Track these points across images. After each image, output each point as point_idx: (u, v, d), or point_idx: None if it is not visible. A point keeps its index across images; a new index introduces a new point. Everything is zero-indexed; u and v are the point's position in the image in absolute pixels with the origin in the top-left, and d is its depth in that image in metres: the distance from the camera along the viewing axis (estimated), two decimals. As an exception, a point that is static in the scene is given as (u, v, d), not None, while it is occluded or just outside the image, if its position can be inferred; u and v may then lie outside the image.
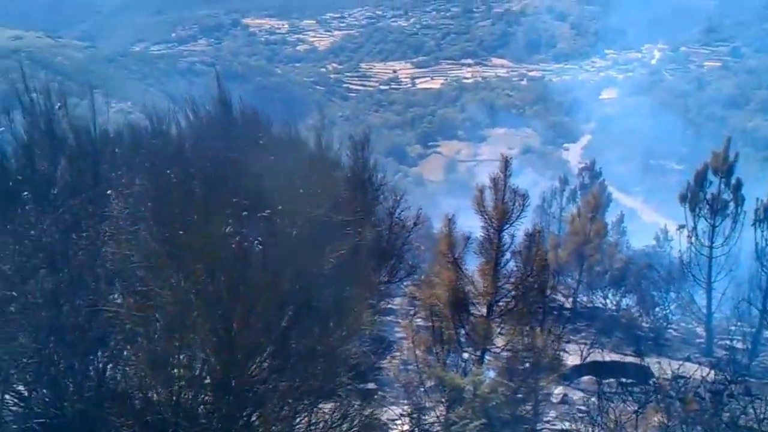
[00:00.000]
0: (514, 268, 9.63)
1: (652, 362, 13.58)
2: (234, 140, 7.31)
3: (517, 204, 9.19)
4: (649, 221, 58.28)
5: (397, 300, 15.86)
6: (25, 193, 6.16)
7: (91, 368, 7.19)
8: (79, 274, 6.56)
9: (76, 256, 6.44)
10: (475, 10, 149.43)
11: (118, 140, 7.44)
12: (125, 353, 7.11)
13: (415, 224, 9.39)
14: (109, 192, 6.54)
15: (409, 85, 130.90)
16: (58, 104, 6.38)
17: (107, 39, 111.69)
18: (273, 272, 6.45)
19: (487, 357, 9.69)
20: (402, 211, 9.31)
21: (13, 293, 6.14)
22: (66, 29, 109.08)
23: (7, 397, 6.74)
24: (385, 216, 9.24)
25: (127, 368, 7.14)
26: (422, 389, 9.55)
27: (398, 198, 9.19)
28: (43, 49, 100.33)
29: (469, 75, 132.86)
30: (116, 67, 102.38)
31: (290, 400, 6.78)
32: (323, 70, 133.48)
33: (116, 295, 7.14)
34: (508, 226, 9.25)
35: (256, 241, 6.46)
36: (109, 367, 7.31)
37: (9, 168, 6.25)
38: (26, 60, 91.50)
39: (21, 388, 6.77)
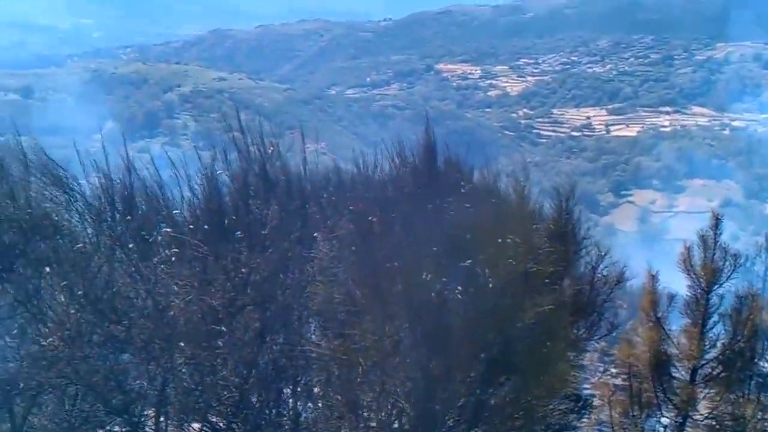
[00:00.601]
0: (722, 332, 9.13)
1: None
2: (437, 187, 7.38)
3: (727, 264, 8.73)
4: None
5: (587, 356, 15.34)
6: (238, 232, 6.45)
7: (282, 405, 7.41)
8: (284, 313, 6.79)
9: (282, 295, 6.66)
10: (675, 57, 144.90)
11: (324, 183, 7.68)
12: (320, 393, 7.28)
13: (618, 282, 9.11)
14: (315, 234, 6.75)
15: (603, 132, 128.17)
16: (271, 148, 6.67)
17: (305, 82, 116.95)
18: (472, 323, 6.42)
19: (688, 424, 9.19)
20: (605, 267, 9.06)
21: (222, 328, 6.41)
22: (267, 72, 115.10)
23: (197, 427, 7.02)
24: (587, 270, 9.00)
25: (322, 408, 7.31)
26: (617, 453, 9.18)
27: (603, 254, 8.96)
28: (245, 90, 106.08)
29: (667, 123, 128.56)
30: (312, 109, 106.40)
31: (483, 455, 6.69)
32: (514, 115, 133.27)
33: (315, 335, 7.34)
34: (717, 286, 8.79)
35: (456, 291, 6.45)
36: (299, 404, 7.51)
37: (224, 208, 6.58)
38: (228, 100, 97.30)
39: (215, 419, 7.04)
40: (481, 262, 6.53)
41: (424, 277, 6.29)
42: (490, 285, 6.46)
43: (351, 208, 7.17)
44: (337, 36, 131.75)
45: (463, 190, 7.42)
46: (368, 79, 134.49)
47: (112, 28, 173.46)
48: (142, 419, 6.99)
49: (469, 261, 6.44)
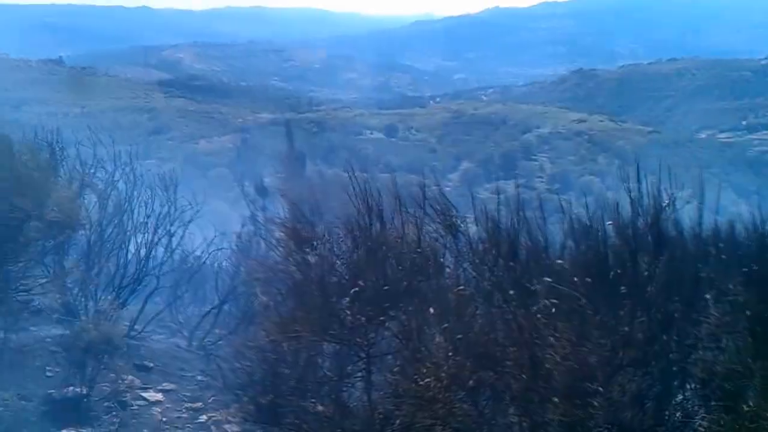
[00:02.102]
0: None
1: None
2: None
3: None
4: None
5: None
6: (623, 288, 6.36)
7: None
8: (663, 378, 6.57)
9: (665, 358, 6.45)
10: None
11: (713, 240, 7.32)
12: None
13: None
14: (707, 296, 6.46)
15: None
16: (666, 201, 6.51)
17: (672, 125, 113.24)
18: None
19: None
20: None
21: (599, 387, 6.34)
22: (631, 113, 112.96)
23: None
24: None
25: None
26: None
27: None
28: (606, 132, 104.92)
29: None
30: (678, 154, 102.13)
31: None
32: None
33: (693, 405, 7.00)
34: None
35: None
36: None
37: (609, 261, 6.52)
38: (586, 143, 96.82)
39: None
40: None
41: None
42: None
43: (747, 269, 6.77)
44: (712, 75, 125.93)
45: None
46: (744, 122, 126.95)
47: (475, 69, 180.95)
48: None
49: None
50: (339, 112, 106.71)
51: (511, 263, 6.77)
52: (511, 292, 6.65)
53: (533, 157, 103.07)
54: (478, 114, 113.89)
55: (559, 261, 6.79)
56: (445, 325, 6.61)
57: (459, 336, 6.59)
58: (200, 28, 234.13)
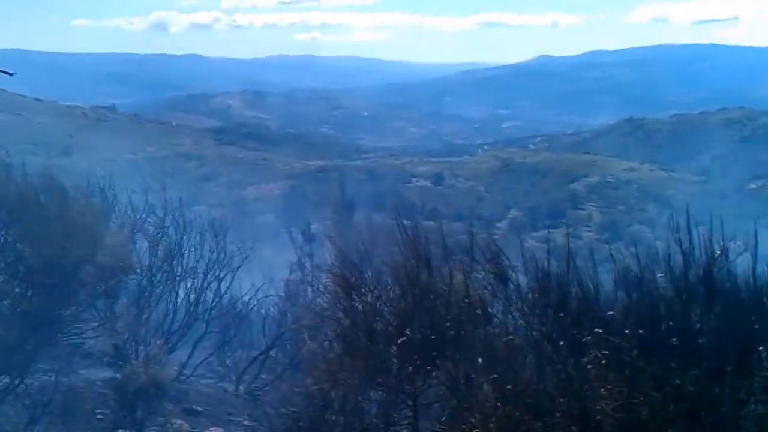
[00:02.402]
0: None
1: None
2: None
3: None
4: None
5: None
6: (674, 339, 6.29)
7: None
8: (715, 430, 6.46)
9: (717, 412, 6.35)
10: None
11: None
12: None
13: None
14: (760, 348, 6.36)
15: None
16: (719, 251, 6.46)
17: (722, 174, 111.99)
18: None
19: None
20: None
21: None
22: (681, 163, 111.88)
23: None
24: None
25: None
26: None
27: None
28: (655, 181, 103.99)
29: None
30: (727, 204, 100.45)
31: None
32: None
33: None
34: None
35: None
36: None
37: (661, 313, 6.46)
38: (636, 192, 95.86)
39: None
40: None
41: None
42: None
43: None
44: (763, 125, 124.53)
45: None
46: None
47: (525, 118, 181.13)
48: None
49: None
50: (387, 160, 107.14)
51: (561, 313, 6.73)
52: (561, 342, 6.60)
53: (581, 206, 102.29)
54: (527, 162, 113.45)
55: (610, 312, 6.74)
56: (494, 374, 6.58)
57: (508, 386, 6.55)
58: (250, 76, 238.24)
